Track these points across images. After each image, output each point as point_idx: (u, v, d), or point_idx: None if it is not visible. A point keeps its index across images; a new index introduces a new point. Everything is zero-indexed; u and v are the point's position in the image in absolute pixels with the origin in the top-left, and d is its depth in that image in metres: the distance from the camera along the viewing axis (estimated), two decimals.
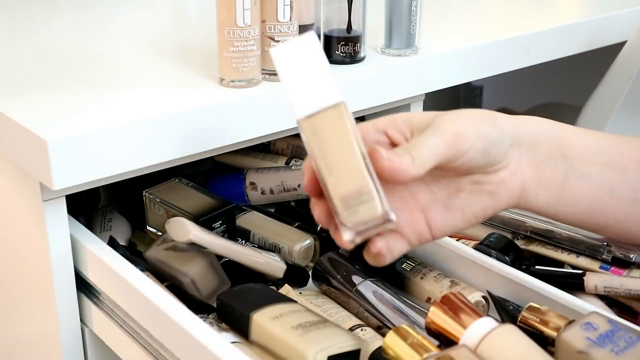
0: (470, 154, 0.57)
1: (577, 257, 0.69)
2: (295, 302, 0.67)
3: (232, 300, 0.67)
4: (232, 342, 0.62)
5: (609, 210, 0.62)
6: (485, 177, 0.59)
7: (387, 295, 0.68)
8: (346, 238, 0.53)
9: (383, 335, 0.63)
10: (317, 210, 0.56)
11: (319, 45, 0.53)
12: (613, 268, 0.66)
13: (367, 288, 0.69)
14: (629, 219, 0.62)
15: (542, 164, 0.60)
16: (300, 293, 0.73)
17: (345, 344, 0.60)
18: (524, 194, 0.61)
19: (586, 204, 0.61)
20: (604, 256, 0.67)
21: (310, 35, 0.53)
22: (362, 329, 0.67)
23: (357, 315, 0.69)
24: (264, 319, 0.63)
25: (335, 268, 0.73)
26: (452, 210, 0.60)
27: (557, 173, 0.61)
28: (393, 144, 0.58)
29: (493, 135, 0.58)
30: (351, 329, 0.67)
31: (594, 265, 0.67)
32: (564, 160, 0.61)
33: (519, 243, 0.72)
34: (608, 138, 0.63)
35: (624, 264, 0.66)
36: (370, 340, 0.65)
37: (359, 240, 0.53)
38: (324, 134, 0.53)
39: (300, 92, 0.53)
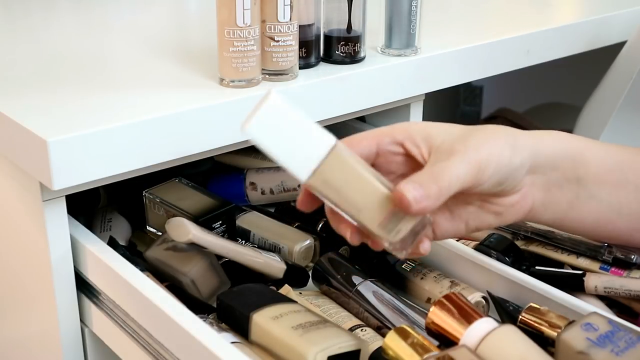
0: (489, 183, 0.56)
1: (578, 257, 0.69)
2: (295, 302, 0.67)
3: (232, 301, 0.67)
4: (232, 343, 0.62)
5: (615, 226, 0.62)
6: (495, 199, 0.59)
7: (387, 296, 0.68)
8: (402, 256, 0.56)
9: (383, 335, 0.63)
10: (347, 233, 0.56)
11: (284, 100, 0.51)
12: (613, 269, 0.66)
13: (367, 288, 0.69)
14: (636, 232, 0.63)
15: (555, 187, 0.60)
16: (300, 293, 0.73)
17: (345, 344, 0.60)
18: (531, 213, 0.61)
19: (593, 221, 0.62)
20: (604, 257, 0.67)
21: (273, 94, 0.51)
22: (362, 329, 0.67)
23: (357, 315, 0.69)
24: (263, 319, 0.63)
25: (335, 268, 0.73)
26: (457, 219, 0.60)
27: (567, 195, 0.61)
28: (407, 155, 0.58)
29: (514, 165, 0.57)
30: (351, 329, 0.67)
31: (594, 266, 0.67)
32: (577, 182, 0.61)
33: (519, 244, 0.72)
34: (625, 153, 0.62)
35: (624, 265, 0.66)
36: (370, 340, 0.65)
37: (410, 250, 0.56)
38: (335, 180, 0.53)
39: (293, 157, 0.52)
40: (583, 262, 0.68)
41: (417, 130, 0.58)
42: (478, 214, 0.60)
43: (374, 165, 0.59)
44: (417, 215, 0.54)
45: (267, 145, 0.51)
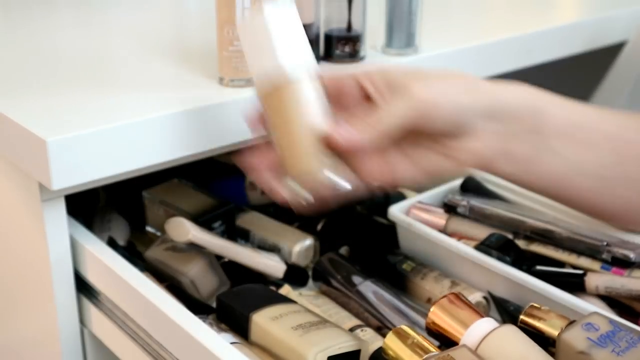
0: (440, 122, 0.57)
1: (578, 257, 0.68)
2: (294, 302, 0.67)
3: (231, 301, 0.67)
4: (232, 343, 0.61)
5: (576, 186, 0.62)
6: (445, 140, 0.59)
7: (387, 296, 0.68)
8: (301, 202, 0.56)
9: (383, 335, 0.63)
10: (260, 165, 0.58)
11: (294, 14, 0.54)
12: (614, 268, 0.66)
13: (367, 288, 0.69)
14: (596, 195, 0.62)
15: (514, 138, 0.60)
16: (301, 293, 0.73)
17: (345, 345, 0.60)
18: (487, 162, 0.61)
19: (553, 179, 0.62)
20: (603, 256, 0.67)
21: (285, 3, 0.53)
22: (362, 330, 0.67)
23: (357, 315, 0.69)
24: (263, 320, 0.63)
25: (335, 268, 0.73)
26: (412, 162, 0.61)
27: (527, 148, 0.60)
28: (367, 97, 0.59)
29: (465, 108, 0.57)
30: (351, 330, 0.67)
31: (595, 265, 0.67)
32: (538, 135, 0.60)
33: (520, 243, 0.72)
34: (592, 113, 0.62)
35: (624, 264, 0.66)
36: (370, 340, 0.64)
37: (308, 201, 0.56)
38: (284, 106, 0.55)
39: (268, 59, 0.55)
40: (584, 261, 0.68)
41: (376, 70, 0.59)
42: (431, 156, 0.60)
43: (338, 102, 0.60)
44: (347, 149, 0.55)
45: (267, 37, 0.53)
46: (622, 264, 0.66)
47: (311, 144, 0.55)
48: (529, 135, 0.60)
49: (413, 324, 0.64)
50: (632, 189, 0.61)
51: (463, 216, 0.75)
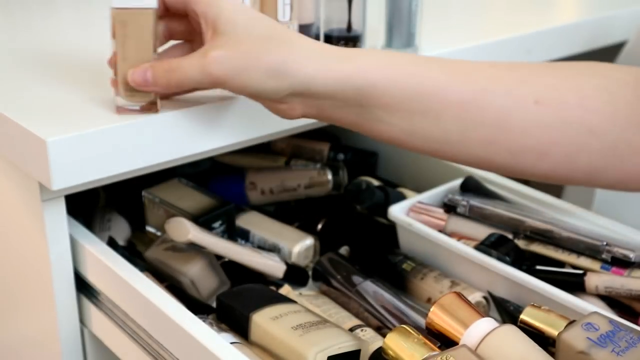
0: (235, 92, 0.62)
1: (578, 257, 0.68)
2: (295, 302, 0.67)
3: (231, 301, 0.67)
4: (232, 343, 0.61)
5: (411, 145, 0.62)
6: (257, 99, 0.63)
7: (387, 296, 0.68)
8: (119, 103, 0.66)
9: (383, 335, 0.63)
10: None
11: None
12: (614, 268, 0.66)
13: (367, 288, 0.69)
14: (441, 153, 0.62)
15: (328, 109, 0.61)
16: (301, 293, 0.73)
17: (345, 345, 0.60)
18: (309, 117, 0.63)
19: (386, 139, 0.62)
20: (603, 256, 0.67)
21: None
22: (362, 330, 0.67)
23: (357, 315, 0.69)
24: (263, 320, 0.63)
25: (335, 268, 0.73)
26: None
27: (348, 116, 0.61)
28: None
29: (263, 88, 0.59)
30: (351, 330, 0.67)
31: (595, 265, 0.67)
32: (359, 108, 0.60)
33: (520, 243, 0.72)
34: (445, 79, 0.60)
35: (624, 264, 0.66)
36: (370, 340, 0.64)
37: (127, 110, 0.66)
38: (130, 28, 0.64)
39: None
40: (584, 261, 0.68)
41: (213, 10, 0.60)
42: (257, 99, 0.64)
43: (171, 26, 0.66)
44: (139, 89, 0.63)
45: None
46: (622, 264, 0.66)
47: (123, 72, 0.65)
48: (350, 108, 0.61)
49: (413, 323, 0.64)
50: (485, 151, 0.60)
51: (463, 216, 0.75)
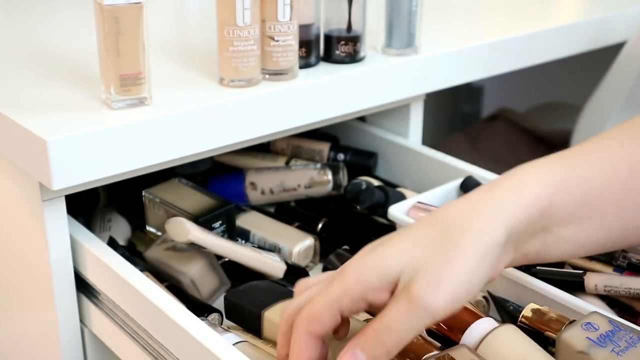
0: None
1: (590, 261, 0.68)
2: None
3: (240, 300, 0.67)
4: (236, 343, 0.61)
5: (582, 254, 0.60)
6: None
7: None
8: (114, 99, 0.68)
9: None
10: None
11: None
12: (626, 272, 0.66)
13: None
14: (601, 252, 0.61)
15: (521, 245, 0.56)
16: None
17: None
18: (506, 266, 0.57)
19: (561, 257, 0.59)
20: (619, 262, 0.66)
21: None
22: None
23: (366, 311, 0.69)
24: (276, 316, 0.63)
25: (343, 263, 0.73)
26: None
27: (535, 247, 0.57)
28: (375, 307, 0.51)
29: (479, 288, 0.51)
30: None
31: (608, 270, 0.67)
32: (544, 232, 0.57)
33: None
34: (597, 174, 0.58)
35: (639, 270, 0.65)
36: None
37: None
38: (122, 23, 0.65)
39: None
40: (596, 265, 0.67)
41: (373, 276, 0.50)
42: None
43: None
44: None
45: None
46: (637, 269, 0.65)
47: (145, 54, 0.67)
48: (537, 236, 0.57)
49: None
50: (637, 235, 0.59)
51: None
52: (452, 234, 0.51)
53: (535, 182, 0.56)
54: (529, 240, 0.56)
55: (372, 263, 0.51)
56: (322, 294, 0.51)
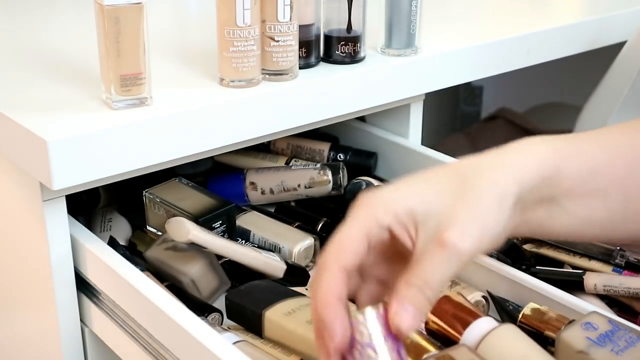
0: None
1: (590, 260, 0.68)
2: (304, 295, 0.67)
3: (241, 299, 0.67)
4: (235, 342, 0.62)
5: (585, 234, 0.60)
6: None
7: None
8: (114, 100, 0.68)
9: None
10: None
11: None
12: (626, 272, 0.66)
13: None
14: (602, 236, 0.61)
15: (527, 210, 0.57)
16: (307, 289, 0.73)
17: None
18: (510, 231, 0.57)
19: (563, 233, 0.59)
20: (617, 261, 0.66)
21: None
22: None
23: None
24: (277, 316, 0.63)
25: None
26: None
27: (539, 215, 0.58)
28: (395, 238, 0.52)
29: (502, 221, 0.53)
30: None
31: (607, 269, 0.67)
32: (551, 201, 0.57)
33: (528, 246, 0.72)
34: (602, 156, 0.59)
35: (637, 269, 0.66)
36: None
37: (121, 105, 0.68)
38: (123, 23, 0.65)
39: None
40: (595, 265, 0.67)
41: (399, 207, 0.52)
42: None
43: (365, 263, 0.53)
44: (409, 331, 0.50)
45: None
46: (635, 268, 0.66)
47: (145, 55, 0.67)
48: (543, 204, 0.57)
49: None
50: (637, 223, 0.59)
51: None
52: (469, 182, 0.53)
53: (543, 148, 0.57)
54: (535, 207, 0.57)
55: (399, 199, 0.52)
56: (349, 223, 0.52)
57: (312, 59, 0.81)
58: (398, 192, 0.53)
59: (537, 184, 0.56)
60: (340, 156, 0.95)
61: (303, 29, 0.78)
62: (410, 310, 0.49)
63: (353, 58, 0.82)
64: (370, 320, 0.48)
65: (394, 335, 0.48)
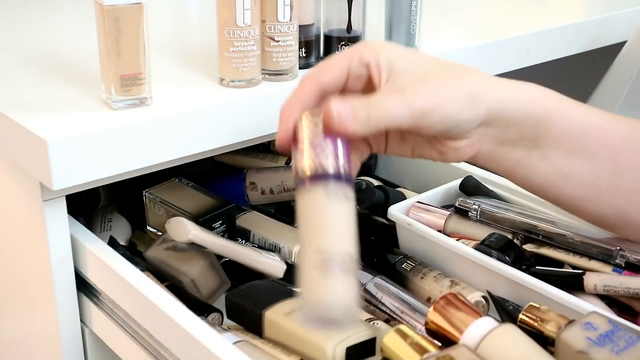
0: (431, 129, 0.56)
1: (589, 260, 0.68)
2: None
3: (241, 299, 0.67)
4: (235, 342, 0.62)
5: (561, 191, 0.61)
6: (440, 140, 0.59)
7: (401, 294, 0.68)
8: (114, 100, 0.68)
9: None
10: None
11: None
12: (626, 272, 0.66)
13: (376, 286, 0.69)
14: (586, 203, 0.61)
15: (508, 143, 0.59)
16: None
17: (361, 334, 0.60)
18: (475, 159, 0.61)
19: (538, 181, 0.61)
20: (617, 261, 0.66)
21: None
22: (373, 323, 0.67)
23: (365, 310, 0.69)
24: (276, 316, 0.63)
25: None
26: (406, 143, 0.61)
27: (519, 152, 0.59)
28: (369, 78, 0.58)
29: (464, 118, 0.56)
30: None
31: (607, 269, 0.67)
32: (534, 141, 0.59)
33: (529, 246, 0.72)
34: (600, 120, 0.60)
35: (637, 269, 0.65)
36: (384, 331, 0.64)
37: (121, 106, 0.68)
38: (123, 23, 0.65)
39: None
40: (595, 265, 0.67)
41: (384, 53, 0.57)
42: (423, 145, 0.61)
43: (344, 89, 0.59)
44: (337, 133, 0.54)
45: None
46: (635, 268, 0.65)
47: (145, 55, 0.67)
48: (525, 141, 0.59)
49: (423, 316, 0.64)
50: (628, 201, 0.60)
51: (465, 217, 0.75)
52: (458, 72, 0.58)
53: (540, 91, 0.59)
54: (516, 142, 0.59)
55: (388, 50, 0.58)
56: (339, 53, 0.59)
57: (312, 59, 0.81)
58: (392, 47, 0.58)
59: (518, 117, 0.58)
60: None
61: (303, 29, 0.78)
62: (347, 108, 0.53)
63: None
64: (307, 121, 0.55)
65: (333, 136, 0.54)
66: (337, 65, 0.57)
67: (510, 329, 0.55)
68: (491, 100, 0.57)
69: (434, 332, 0.57)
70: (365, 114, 0.54)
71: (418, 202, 0.78)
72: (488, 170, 0.63)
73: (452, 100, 0.56)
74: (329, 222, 0.51)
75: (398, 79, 0.56)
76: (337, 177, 0.53)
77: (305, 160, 0.54)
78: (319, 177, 0.53)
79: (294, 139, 0.56)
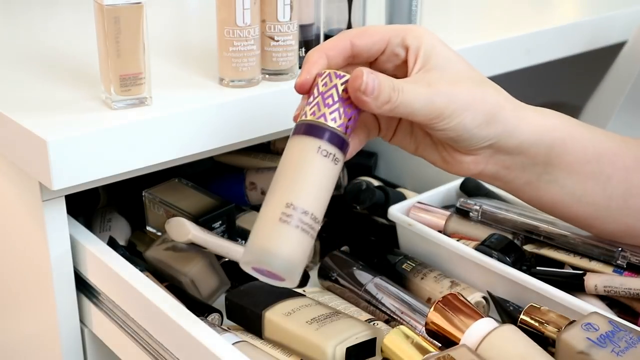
0: (441, 133, 0.57)
1: (590, 261, 0.68)
2: (304, 296, 0.67)
3: (241, 300, 0.67)
4: (235, 342, 0.62)
5: (572, 211, 0.61)
6: (446, 147, 0.60)
7: (401, 294, 0.68)
8: (114, 100, 0.67)
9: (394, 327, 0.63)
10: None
11: None
12: (626, 273, 0.66)
13: (376, 286, 0.69)
14: (596, 220, 0.62)
15: (516, 168, 0.59)
16: (304, 291, 0.73)
17: (361, 334, 0.60)
18: (479, 177, 0.61)
19: (548, 202, 0.61)
20: (618, 261, 0.66)
21: None
22: (373, 323, 0.67)
23: (365, 310, 0.69)
24: (276, 316, 0.63)
25: (340, 266, 0.73)
26: (413, 138, 0.62)
27: (528, 175, 0.60)
28: (404, 62, 0.58)
29: (478, 133, 0.57)
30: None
31: (607, 270, 0.67)
32: (544, 166, 0.59)
33: (529, 247, 0.72)
34: (613, 145, 0.61)
35: (638, 270, 0.65)
36: (385, 331, 0.64)
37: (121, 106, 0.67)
38: (122, 23, 0.64)
39: None
40: (596, 265, 0.67)
41: (427, 43, 0.57)
42: (429, 147, 0.61)
43: (375, 61, 0.59)
44: (356, 101, 0.55)
45: None
46: (636, 269, 0.65)
47: (145, 55, 0.67)
48: (534, 167, 0.59)
49: (423, 316, 0.64)
50: (638, 219, 0.61)
51: (466, 217, 0.75)
52: (486, 88, 0.58)
53: (557, 118, 0.60)
54: (525, 167, 0.59)
55: (436, 41, 0.58)
56: (385, 25, 0.61)
57: None
58: (435, 39, 0.58)
59: (530, 146, 0.58)
60: None
61: (303, 28, 0.78)
62: (375, 83, 0.54)
63: None
64: (327, 77, 0.55)
65: (348, 99, 0.54)
66: (377, 35, 0.58)
67: (510, 329, 0.55)
68: (507, 125, 0.57)
69: (434, 333, 0.57)
70: (387, 95, 0.54)
71: (418, 202, 0.78)
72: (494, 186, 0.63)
73: (473, 112, 0.56)
74: (307, 178, 0.52)
75: (429, 73, 0.57)
76: (334, 136, 0.53)
77: (311, 108, 0.55)
78: (317, 129, 0.54)
79: (310, 88, 0.57)
